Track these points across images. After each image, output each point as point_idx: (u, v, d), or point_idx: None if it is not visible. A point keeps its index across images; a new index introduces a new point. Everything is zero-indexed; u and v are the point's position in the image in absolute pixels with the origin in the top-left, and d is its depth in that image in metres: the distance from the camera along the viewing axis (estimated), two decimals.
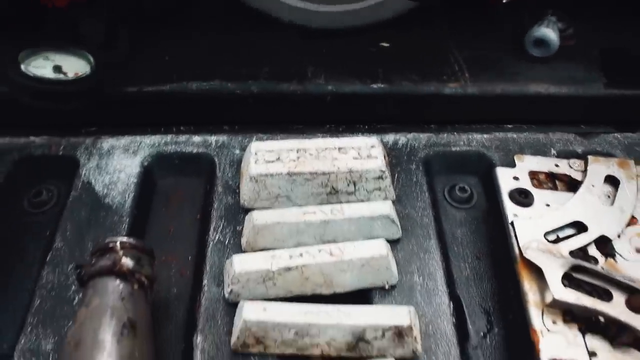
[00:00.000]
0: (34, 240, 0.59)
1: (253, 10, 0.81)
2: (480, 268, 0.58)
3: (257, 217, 0.53)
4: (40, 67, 0.68)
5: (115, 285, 0.44)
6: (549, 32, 0.79)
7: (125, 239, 0.47)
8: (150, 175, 0.63)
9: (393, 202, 0.58)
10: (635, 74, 0.80)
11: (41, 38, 0.70)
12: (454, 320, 0.52)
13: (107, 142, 0.65)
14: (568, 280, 0.51)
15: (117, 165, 0.62)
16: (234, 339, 0.47)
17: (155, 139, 0.65)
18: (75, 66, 0.69)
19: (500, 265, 0.57)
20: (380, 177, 0.56)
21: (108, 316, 0.42)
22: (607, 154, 0.67)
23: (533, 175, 0.61)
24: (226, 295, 0.51)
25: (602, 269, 0.52)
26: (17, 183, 0.63)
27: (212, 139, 0.65)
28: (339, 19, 0.82)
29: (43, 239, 0.59)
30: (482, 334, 0.53)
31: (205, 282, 0.53)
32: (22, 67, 0.65)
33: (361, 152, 0.57)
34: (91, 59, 0.69)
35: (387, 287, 0.52)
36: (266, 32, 0.81)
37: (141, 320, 0.44)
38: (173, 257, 0.57)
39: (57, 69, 0.68)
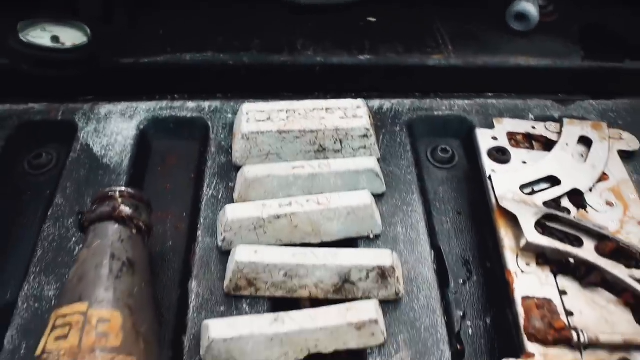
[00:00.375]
0: (34, 199, 0.61)
1: None
2: (460, 222, 0.61)
3: (248, 171, 0.55)
4: (38, 37, 0.70)
5: (114, 229, 0.47)
6: (530, 7, 0.83)
7: (123, 188, 0.50)
8: (146, 138, 0.66)
9: (378, 160, 0.61)
10: (612, 48, 0.83)
11: (39, 9, 0.72)
12: (435, 267, 0.55)
13: (104, 108, 0.68)
14: (542, 228, 0.54)
15: (115, 129, 0.65)
16: (226, 282, 0.50)
17: (151, 104, 0.68)
18: (72, 37, 0.71)
19: (479, 220, 0.60)
20: (365, 136, 0.59)
21: (108, 255, 0.45)
22: (582, 119, 0.70)
23: (511, 136, 0.65)
24: (219, 243, 0.53)
25: (574, 218, 0.55)
26: (17, 147, 0.65)
27: (206, 104, 0.68)
28: None
29: (43, 198, 0.61)
30: (461, 281, 0.56)
31: (199, 233, 0.56)
32: (21, 36, 0.68)
33: (347, 112, 0.60)
34: (88, 30, 0.72)
35: (371, 236, 0.55)
36: (258, 6, 0.83)
37: (139, 262, 0.47)
38: (168, 214, 0.60)
39: (55, 39, 0.71)
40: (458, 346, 0.52)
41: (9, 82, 0.70)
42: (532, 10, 0.82)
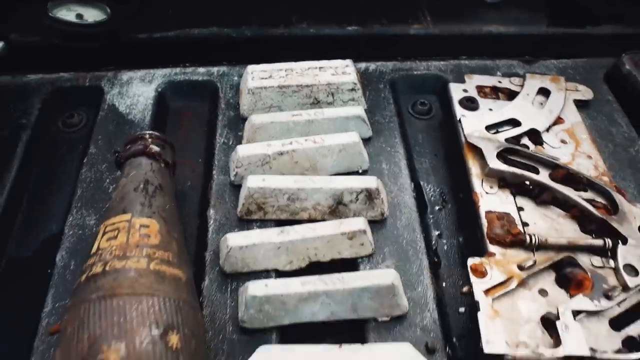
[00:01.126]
0: (69, 151, 0.71)
1: None
2: (437, 162, 0.71)
3: (254, 119, 0.65)
4: (65, 15, 0.80)
5: (147, 162, 0.57)
6: None
7: (152, 132, 0.60)
8: (164, 99, 0.75)
9: (365, 110, 0.70)
10: (574, 16, 0.93)
11: None
12: (415, 196, 0.65)
13: (126, 75, 0.77)
14: (503, 159, 0.64)
15: (136, 92, 0.75)
16: (239, 207, 0.60)
17: (166, 71, 0.78)
18: (93, 15, 0.81)
19: (453, 160, 0.70)
20: (353, 89, 0.69)
21: (143, 181, 0.54)
22: (544, 74, 0.80)
23: (480, 89, 0.74)
24: (232, 178, 0.63)
25: (532, 151, 0.65)
26: (52, 109, 0.75)
27: (214, 69, 0.78)
28: None
29: (77, 150, 0.71)
30: (437, 208, 0.66)
31: (214, 172, 0.65)
32: (50, 14, 0.78)
33: (337, 70, 0.70)
34: (107, 9, 0.81)
35: (360, 171, 0.65)
36: None
37: (168, 188, 0.56)
38: (186, 161, 0.69)
39: (79, 16, 0.80)
40: (435, 259, 0.62)
41: (41, 55, 0.80)
42: None
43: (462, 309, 0.57)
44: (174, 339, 0.43)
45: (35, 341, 0.53)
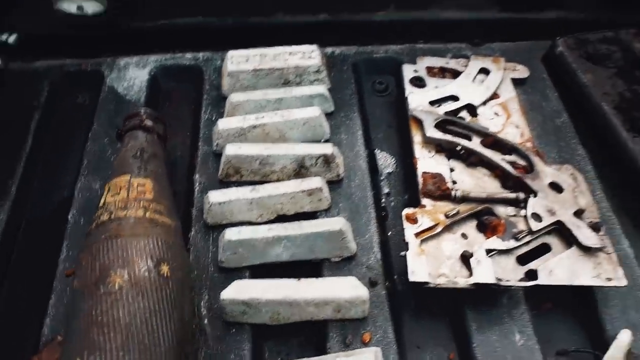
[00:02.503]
0: (76, 127, 0.83)
1: None
2: (390, 133, 0.83)
3: (233, 97, 0.77)
4: (67, 7, 0.91)
5: (142, 134, 0.69)
6: None
7: (146, 109, 0.72)
8: (157, 81, 0.87)
9: (329, 90, 0.82)
10: (523, 1, 1.04)
11: None
12: (368, 161, 0.77)
13: (123, 60, 0.89)
14: (442, 129, 0.76)
15: (132, 75, 0.87)
16: (220, 171, 0.73)
17: (158, 57, 0.89)
18: (92, 7, 0.92)
19: (404, 131, 0.82)
20: (318, 71, 0.81)
21: (139, 149, 0.67)
22: (488, 56, 0.91)
23: (429, 69, 0.86)
24: (214, 148, 0.76)
25: (466, 122, 0.78)
26: (59, 91, 0.87)
27: (200, 55, 0.90)
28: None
29: (83, 127, 0.83)
30: (388, 171, 0.78)
31: (199, 143, 0.78)
32: (55, 7, 0.89)
33: (304, 55, 0.82)
34: (105, 1, 0.93)
35: (322, 140, 0.77)
36: None
37: (160, 156, 0.68)
38: (176, 134, 0.81)
39: (80, 8, 0.91)
40: (383, 212, 0.74)
41: (47, 44, 0.91)
42: None
43: (402, 253, 0.69)
44: (164, 269, 0.55)
45: (54, 282, 0.66)
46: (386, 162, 0.79)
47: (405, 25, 0.98)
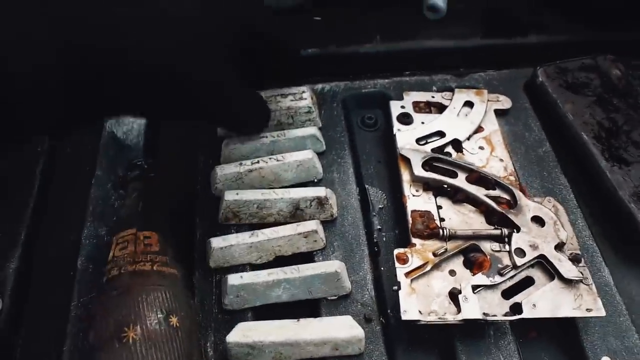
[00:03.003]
0: (79, 172, 0.86)
1: None
2: (380, 169, 0.87)
3: (227, 142, 0.81)
4: None
5: (145, 186, 0.73)
6: (439, 1, 1.07)
7: (147, 159, 0.76)
8: (155, 125, 0.91)
9: (320, 128, 0.86)
10: (504, 27, 1.08)
11: None
12: (360, 199, 0.81)
13: None
14: (429, 167, 0.80)
15: (131, 119, 0.90)
16: (219, 215, 0.76)
17: None
18: None
19: (393, 166, 0.86)
20: (309, 112, 0.85)
21: (142, 201, 0.71)
22: (472, 87, 0.95)
23: (415, 104, 0.90)
24: (213, 192, 0.79)
25: (453, 159, 0.82)
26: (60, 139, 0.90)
27: None
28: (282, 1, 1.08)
29: (86, 172, 0.86)
30: (379, 208, 0.82)
31: (198, 187, 0.81)
32: None
33: (295, 96, 0.85)
34: None
35: (315, 180, 0.81)
36: None
37: (165, 205, 0.72)
38: (174, 178, 0.85)
39: None
40: (375, 248, 0.78)
41: None
42: (440, 4, 1.07)
43: (395, 288, 0.74)
44: (174, 320, 0.59)
45: (67, 326, 0.70)
46: (377, 197, 0.83)
47: (390, 56, 1.02)
